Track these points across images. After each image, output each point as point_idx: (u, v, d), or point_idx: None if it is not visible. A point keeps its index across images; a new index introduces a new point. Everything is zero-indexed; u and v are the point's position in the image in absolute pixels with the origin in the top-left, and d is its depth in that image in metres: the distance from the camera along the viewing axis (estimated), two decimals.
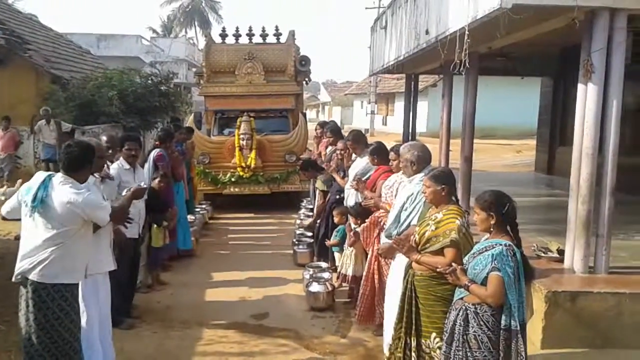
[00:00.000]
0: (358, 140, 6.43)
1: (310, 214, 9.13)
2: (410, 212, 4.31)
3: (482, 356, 3.24)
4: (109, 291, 4.35)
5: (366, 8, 30.84)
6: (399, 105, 32.38)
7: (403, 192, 4.52)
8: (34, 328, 3.42)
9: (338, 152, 7.30)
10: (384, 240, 4.68)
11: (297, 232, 8.19)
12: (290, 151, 10.90)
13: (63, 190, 3.43)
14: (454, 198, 3.97)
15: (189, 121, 11.29)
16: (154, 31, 51.43)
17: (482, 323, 3.25)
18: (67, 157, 3.53)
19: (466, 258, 3.48)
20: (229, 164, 10.74)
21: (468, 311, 3.31)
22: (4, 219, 3.64)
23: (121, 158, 5.01)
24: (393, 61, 10.56)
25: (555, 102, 13.47)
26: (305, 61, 12.06)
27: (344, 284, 6.01)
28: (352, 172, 6.21)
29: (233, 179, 10.69)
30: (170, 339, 5.20)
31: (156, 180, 6.19)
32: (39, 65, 15.70)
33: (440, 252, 3.76)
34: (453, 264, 3.49)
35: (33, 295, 3.42)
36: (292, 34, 12.29)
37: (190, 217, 8.27)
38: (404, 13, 9.54)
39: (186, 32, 54.07)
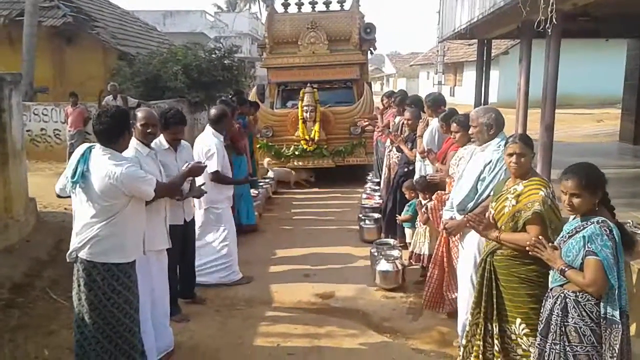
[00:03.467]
0: (437, 103, 5.92)
1: (377, 188, 8.74)
2: (490, 182, 3.83)
3: (584, 351, 2.77)
4: (164, 270, 4.12)
5: None
6: (468, 75, 31.12)
7: (476, 160, 4.03)
8: (85, 308, 3.24)
9: (405, 121, 6.85)
10: (446, 216, 4.23)
11: (363, 206, 7.81)
12: (355, 123, 10.46)
13: (102, 163, 3.20)
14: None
15: (252, 94, 11.05)
16: (219, 7, 51.76)
17: (584, 314, 2.78)
18: (100, 129, 3.26)
19: (557, 241, 2.99)
20: (293, 137, 10.44)
21: (567, 299, 2.84)
22: (58, 196, 3.40)
23: (161, 136, 4.44)
24: (465, 24, 9.86)
25: None
26: (370, 29, 11.52)
27: (417, 264, 5.58)
28: (424, 140, 5.76)
29: (297, 152, 10.39)
30: (233, 317, 5.00)
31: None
32: (106, 42, 15.95)
33: (523, 229, 3.30)
34: (541, 237, 3.02)
35: (83, 274, 3.23)
36: (356, 0, 11.76)
37: (253, 192, 8.05)
38: None
39: (250, 7, 54.09)
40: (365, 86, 11.10)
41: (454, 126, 4.59)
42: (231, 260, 5.75)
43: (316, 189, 10.52)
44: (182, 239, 4.67)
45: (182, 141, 4.62)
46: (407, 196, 6.20)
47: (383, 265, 5.52)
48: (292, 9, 11.93)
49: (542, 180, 3.33)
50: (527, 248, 3.02)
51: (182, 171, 3.98)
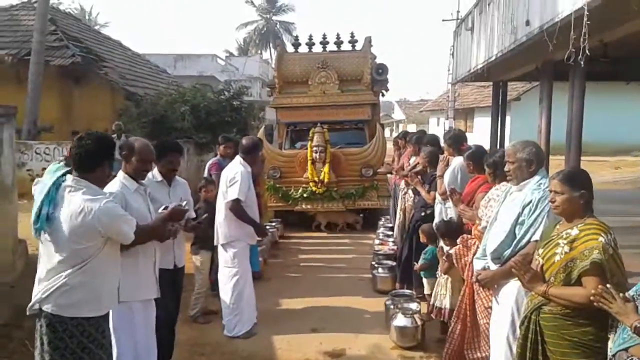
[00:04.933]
0: (459, 140, 5.45)
1: (390, 233, 8.20)
2: (530, 226, 3.31)
3: None
4: (150, 322, 3.58)
5: (443, 20, 29.80)
6: (479, 121, 30.84)
7: (513, 201, 3.51)
8: None
9: (421, 161, 6.39)
10: (478, 266, 3.68)
11: (377, 252, 7.24)
12: (367, 165, 9.98)
13: (74, 197, 2.71)
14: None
15: (259, 134, 10.65)
16: (230, 54, 52.45)
17: None
18: (78, 153, 2.80)
19: (631, 292, 2.44)
20: (301, 178, 9.96)
21: None
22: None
23: (155, 169, 4.01)
24: (482, 64, 9.53)
25: None
26: (382, 69, 11.20)
27: (437, 318, 4.97)
28: (445, 181, 5.25)
29: (305, 195, 9.87)
30: None
31: (202, 190, 5.55)
32: (114, 82, 15.82)
33: (577, 282, 2.75)
34: (609, 286, 2.46)
35: (47, 330, 2.70)
36: (368, 40, 11.49)
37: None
38: (496, 8, 8.53)
39: (261, 53, 54.79)
40: (377, 127, 10.68)
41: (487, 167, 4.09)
42: (239, 308, 5.22)
43: (325, 234, 9.96)
44: (170, 288, 4.08)
45: (178, 177, 4.14)
46: (422, 240, 5.67)
47: (400, 320, 4.92)
48: (303, 49, 11.68)
49: (602, 225, 2.79)
50: (592, 298, 2.46)
51: (161, 214, 3.44)
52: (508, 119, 25.99)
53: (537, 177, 3.45)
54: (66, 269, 2.69)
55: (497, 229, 3.55)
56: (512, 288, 3.40)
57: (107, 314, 2.90)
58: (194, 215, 4.25)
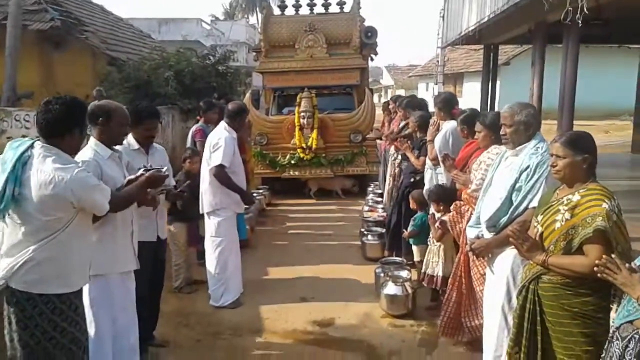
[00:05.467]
0: (450, 104, 5.26)
1: (379, 199, 8.07)
2: (528, 192, 3.15)
3: None
4: (130, 296, 3.40)
5: None
6: (468, 86, 30.58)
7: (509, 166, 3.36)
8: (19, 351, 2.52)
9: (411, 125, 6.23)
10: (472, 234, 3.55)
11: (366, 219, 7.11)
12: (355, 130, 9.78)
13: (44, 166, 2.50)
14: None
15: (246, 99, 10.38)
16: (216, 18, 51.33)
17: None
18: (45, 118, 2.58)
19: (638, 262, 2.30)
20: (289, 145, 9.76)
21: None
22: None
23: (129, 136, 3.72)
24: (474, 26, 9.27)
25: None
26: (371, 32, 10.88)
27: (429, 286, 4.86)
28: (436, 146, 5.09)
29: (293, 161, 9.69)
30: (216, 350, 4.30)
31: (187, 161, 5.35)
32: (95, 47, 15.32)
33: (578, 250, 2.62)
34: (613, 256, 2.33)
35: (16, 309, 2.52)
36: (357, 2, 11.14)
37: None
38: None
39: (248, 18, 53.71)
40: (366, 92, 10.43)
41: (478, 125, 3.91)
42: (225, 278, 5.08)
43: (314, 201, 9.82)
44: (153, 260, 3.92)
45: (155, 144, 3.94)
46: (412, 207, 5.54)
47: (390, 289, 4.81)
48: (290, 11, 11.34)
49: (605, 190, 2.64)
50: (596, 269, 2.32)
51: (139, 180, 3.19)
52: (497, 84, 25.91)
53: (534, 141, 3.29)
54: (33, 243, 2.51)
55: (492, 195, 3.40)
56: (508, 256, 3.27)
57: (80, 290, 2.74)
58: (173, 183, 4.06)
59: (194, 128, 6.66)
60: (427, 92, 39.13)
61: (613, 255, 2.34)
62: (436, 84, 31.24)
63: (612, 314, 2.52)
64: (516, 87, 17.45)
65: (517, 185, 3.22)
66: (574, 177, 2.74)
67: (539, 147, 3.25)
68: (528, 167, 3.19)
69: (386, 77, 58.28)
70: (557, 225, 2.69)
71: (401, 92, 49.68)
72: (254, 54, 12.57)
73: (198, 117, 6.94)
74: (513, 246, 2.96)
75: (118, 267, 3.26)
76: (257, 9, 54.94)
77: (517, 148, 3.30)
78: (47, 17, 14.95)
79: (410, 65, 56.54)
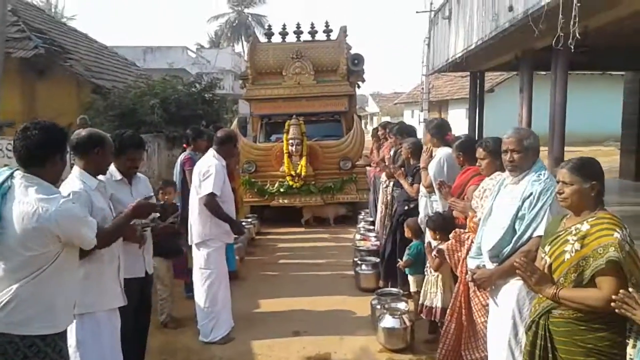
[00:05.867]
0: (443, 130, 5.18)
1: (371, 227, 7.93)
2: (532, 220, 3.04)
3: None
4: (116, 333, 3.21)
5: (417, 12, 29.50)
6: (453, 113, 30.84)
7: (510, 194, 3.24)
8: None
9: (404, 152, 6.13)
10: (472, 265, 3.41)
11: (359, 249, 6.95)
12: (345, 157, 9.71)
13: (26, 197, 2.34)
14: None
15: (233, 126, 10.27)
16: (202, 46, 51.55)
17: None
18: (24, 145, 2.43)
19: None
20: (277, 172, 9.64)
21: None
22: None
23: (112, 166, 3.52)
24: (461, 52, 9.28)
25: None
26: (358, 60, 10.93)
27: (427, 318, 4.70)
28: (430, 172, 4.98)
29: (282, 189, 9.56)
30: None
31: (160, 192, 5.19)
32: (79, 74, 15.18)
33: (590, 282, 2.49)
34: (631, 290, 2.21)
35: None
36: (343, 30, 11.20)
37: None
38: None
39: (233, 46, 54.04)
40: (355, 118, 10.39)
41: (480, 152, 3.80)
42: (215, 312, 4.89)
43: (303, 229, 9.65)
44: (139, 296, 3.71)
45: (139, 173, 3.78)
46: (407, 235, 5.40)
47: (388, 322, 4.63)
48: (276, 39, 11.32)
49: (615, 218, 2.53)
50: (613, 304, 2.20)
51: (125, 211, 3.05)
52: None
53: (535, 168, 3.20)
54: (16, 281, 2.33)
55: (493, 224, 3.28)
56: (512, 287, 3.14)
57: (65, 331, 2.54)
58: (157, 215, 3.88)
59: (182, 156, 6.48)
60: (413, 119, 39.36)
61: (631, 290, 2.22)
62: (422, 111, 31.49)
63: (628, 349, 2.40)
64: (501, 114, 17.59)
65: (520, 213, 3.11)
66: (582, 205, 2.63)
67: (541, 174, 3.15)
68: (531, 194, 3.08)
69: (371, 105, 58.71)
70: (567, 256, 2.57)
71: (387, 120, 50.11)
72: (241, 81, 12.51)
73: (185, 145, 6.75)
74: (518, 277, 2.84)
75: (106, 303, 3.09)
76: (243, 37, 55.40)
77: (522, 174, 3.19)
78: (31, 44, 14.81)
79: (394, 92, 57.07)
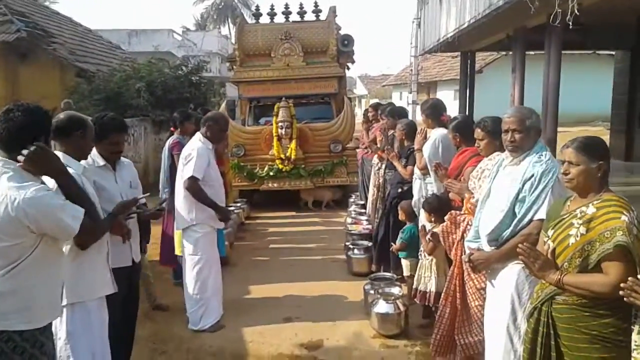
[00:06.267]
0: (438, 111, 5.05)
1: (362, 211, 7.83)
2: (533, 203, 2.93)
3: None
4: (105, 323, 3.09)
5: None
6: (441, 94, 30.67)
7: (509, 176, 3.13)
8: None
9: (398, 134, 6.01)
10: (469, 247, 3.31)
11: (350, 232, 6.85)
12: (335, 140, 9.56)
13: None
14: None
15: (221, 109, 10.08)
16: (187, 29, 50.86)
17: None
18: (6, 128, 2.28)
19: None
20: (267, 156, 9.48)
21: None
22: None
23: (94, 151, 3.35)
24: (453, 32, 9.10)
25: (633, 79, 11.79)
26: (348, 40, 10.72)
27: (421, 303, 4.61)
28: (425, 154, 4.86)
29: (271, 173, 9.41)
30: None
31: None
32: (63, 58, 14.87)
33: (596, 267, 2.40)
34: (631, 279, 2.12)
35: None
36: (333, 10, 10.98)
37: None
38: None
39: (220, 29, 53.36)
40: (345, 100, 10.24)
41: (478, 132, 3.68)
42: (204, 299, 4.76)
43: (294, 213, 9.53)
44: (127, 285, 3.57)
45: (123, 158, 3.62)
46: (400, 218, 5.30)
47: (381, 307, 4.54)
48: (264, 20, 11.10)
49: (622, 200, 2.43)
50: (621, 292, 2.10)
51: (114, 208, 2.99)
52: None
53: (536, 149, 3.08)
54: None
55: (492, 207, 3.17)
56: (511, 272, 3.05)
57: (49, 326, 2.42)
58: (144, 201, 3.74)
59: (170, 141, 6.28)
60: (401, 101, 39.23)
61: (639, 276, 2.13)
62: (410, 93, 31.34)
63: (634, 336, 2.31)
64: (490, 94, 17.45)
65: (521, 196, 3.00)
66: (588, 186, 2.53)
67: (542, 155, 3.04)
68: (532, 176, 2.97)
69: (360, 87, 58.42)
70: (572, 240, 2.47)
71: (375, 101, 49.92)
72: (228, 64, 12.29)
73: (172, 129, 6.56)
74: (516, 261, 2.75)
75: (97, 291, 2.98)
76: (229, 19, 54.68)
77: (522, 155, 3.07)
78: (13, 28, 14.50)
79: (383, 74, 56.79)
